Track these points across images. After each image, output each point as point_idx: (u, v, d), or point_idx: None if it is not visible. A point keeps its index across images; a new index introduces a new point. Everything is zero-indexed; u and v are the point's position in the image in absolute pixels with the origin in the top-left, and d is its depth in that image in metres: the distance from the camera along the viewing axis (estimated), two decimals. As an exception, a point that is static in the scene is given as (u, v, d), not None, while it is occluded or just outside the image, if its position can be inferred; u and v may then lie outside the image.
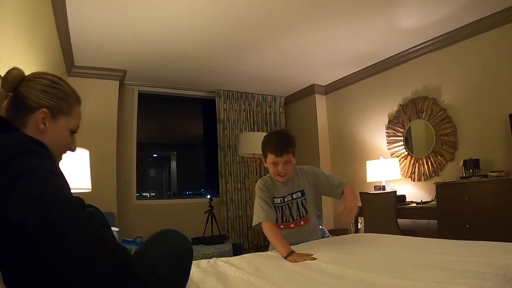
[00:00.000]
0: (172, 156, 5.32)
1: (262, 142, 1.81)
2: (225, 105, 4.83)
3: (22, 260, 0.69)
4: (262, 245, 4.45)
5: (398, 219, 3.13)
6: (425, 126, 3.56)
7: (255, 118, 5.03)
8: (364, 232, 3.28)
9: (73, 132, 0.94)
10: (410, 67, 3.76)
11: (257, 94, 5.06)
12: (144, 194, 4.80)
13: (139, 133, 4.43)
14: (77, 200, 0.73)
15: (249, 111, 5.01)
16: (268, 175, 1.88)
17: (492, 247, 1.29)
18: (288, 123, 5.27)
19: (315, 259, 1.37)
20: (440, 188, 2.90)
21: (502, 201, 2.46)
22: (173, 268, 0.94)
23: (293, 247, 1.53)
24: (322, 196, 3.67)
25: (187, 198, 4.91)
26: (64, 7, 2.59)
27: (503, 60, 2.94)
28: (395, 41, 3.49)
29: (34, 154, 0.72)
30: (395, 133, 3.86)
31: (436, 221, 2.94)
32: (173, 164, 5.28)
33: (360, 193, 3.42)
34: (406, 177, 3.70)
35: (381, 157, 3.73)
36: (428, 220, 3.17)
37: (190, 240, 1.07)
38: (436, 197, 2.99)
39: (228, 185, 4.67)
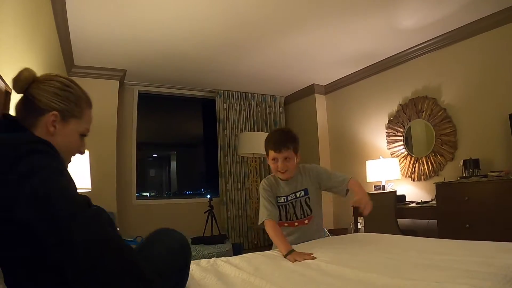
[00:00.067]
0: (172, 156, 5.31)
1: (265, 140, 1.85)
2: (225, 105, 4.83)
3: (22, 260, 0.70)
4: (262, 245, 4.45)
5: (398, 219, 3.13)
6: (425, 126, 3.56)
7: (255, 118, 5.03)
8: (364, 232, 3.28)
9: (83, 135, 0.94)
10: (410, 67, 3.76)
11: (257, 94, 5.06)
12: (144, 194, 4.80)
13: (139, 133, 4.43)
14: (83, 199, 0.73)
15: (249, 111, 5.01)
16: (272, 174, 1.90)
17: (492, 247, 1.29)
18: (288, 123, 5.26)
19: (315, 258, 1.37)
20: (440, 188, 2.90)
21: (502, 201, 2.45)
22: (172, 266, 0.94)
23: (293, 247, 1.53)
24: (322, 195, 3.66)
25: (187, 198, 4.91)
26: (64, 7, 2.59)
27: (503, 60, 2.94)
28: (395, 41, 3.48)
29: (42, 154, 0.73)
30: (395, 133, 3.86)
31: (436, 221, 2.94)
32: (173, 164, 5.27)
33: (360, 193, 3.41)
34: (406, 177, 3.70)
35: (381, 157, 3.73)
36: (428, 220, 3.17)
37: (185, 237, 1.07)
38: (436, 197, 2.99)
39: (228, 185, 4.67)
